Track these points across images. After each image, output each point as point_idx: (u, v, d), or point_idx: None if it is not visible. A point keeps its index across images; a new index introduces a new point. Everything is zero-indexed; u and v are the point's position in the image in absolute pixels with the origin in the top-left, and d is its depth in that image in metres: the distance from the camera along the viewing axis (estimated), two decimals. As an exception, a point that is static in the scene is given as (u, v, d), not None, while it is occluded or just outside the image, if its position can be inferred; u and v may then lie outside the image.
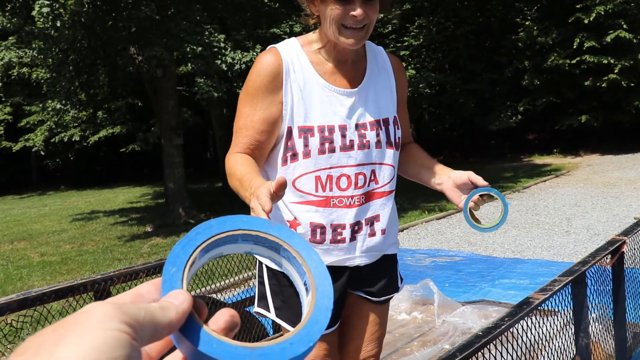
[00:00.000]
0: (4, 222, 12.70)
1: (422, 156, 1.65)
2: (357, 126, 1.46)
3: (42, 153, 20.49)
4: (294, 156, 1.43)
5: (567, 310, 1.73)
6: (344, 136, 1.44)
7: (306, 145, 1.42)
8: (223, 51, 7.94)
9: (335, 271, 1.48)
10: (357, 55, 1.53)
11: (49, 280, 6.98)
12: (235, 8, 10.22)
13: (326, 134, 1.42)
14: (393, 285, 1.65)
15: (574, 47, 14.93)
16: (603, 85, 14.75)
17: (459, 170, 1.51)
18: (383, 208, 1.53)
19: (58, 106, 10.34)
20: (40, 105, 13.00)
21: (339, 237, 1.48)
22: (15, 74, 11.55)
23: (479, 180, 1.44)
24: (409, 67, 16.01)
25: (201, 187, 16.97)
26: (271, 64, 1.43)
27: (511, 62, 16.67)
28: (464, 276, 5.09)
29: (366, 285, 1.58)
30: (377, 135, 1.48)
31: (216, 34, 8.05)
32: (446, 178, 1.51)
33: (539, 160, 16.17)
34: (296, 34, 4.94)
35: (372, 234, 1.51)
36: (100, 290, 2.34)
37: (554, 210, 8.39)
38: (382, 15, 17.49)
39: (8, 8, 8.67)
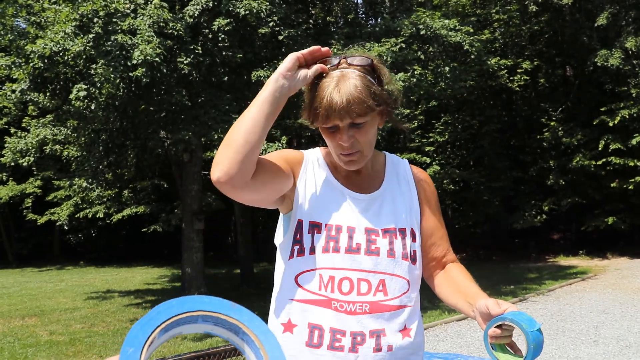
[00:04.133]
0: (18, 296, 12.63)
1: (463, 281, 1.48)
2: (366, 230, 1.39)
3: (66, 227, 20.72)
4: (301, 251, 1.38)
5: None
6: (350, 237, 1.38)
7: (313, 241, 1.37)
8: (249, 140, 8.09)
9: None
10: (373, 168, 1.50)
11: (54, 362, 6.80)
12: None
13: (333, 232, 1.38)
14: None
15: (600, 148, 14.95)
16: (630, 187, 14.60)
17: (485, 298, 1.32)
18: (389, 322, 1.37)
19: (84, 184, 10.55)
20: (68, 183, 13.29)
21: (337, 344, 1.33)
22: (48, 150, 11.90)
23: (492, 307, 1.24)
24: (434, 163, 16.13)
25: (219, 272, 16.82)
26: (295, 152, 1.49)
27: (536, 162, 16.68)
28: (485, 386, 4.80)
29: None
30: (390, 243, 1.40)
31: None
32: (476, 311, 1.33)
33: (564, 261, 15.74)
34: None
35: (378, 349, 1.34)
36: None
37: (580, 317, 8.03)
38: (408, 110, 17.97)
39: (49, 89, 9.07)
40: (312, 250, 1.37)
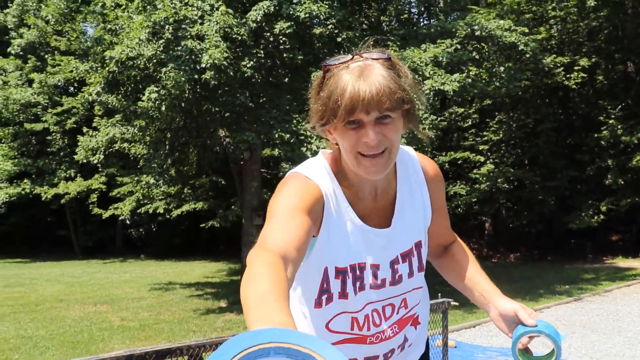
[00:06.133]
0: (89, 285, 13.42)
1: (468, 267, 1.51)
2: (390, 263, 1.37)
3: (128, 222, 21.68)
4: (329, 298, 1.33)
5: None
6: (375, 276, 1.35)
7: (343, 287, 1.32)
8: (309, 139, 8.46)
9: None
10: (386, 177, 1.35)
11: (129, 344, 7.31)
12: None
13: (357, 273, 1.33)
14: None
15: (661, 148, 14.59)
16: (693, 189, 14.20)
17: (509, 301, 1.40)
18: (409, 329, 1.46)
19: (151, 181, 11.15)
20: (136, 179, 13.97)
21: None
22: (116, 147, 12.59)
23: (527, 319, 1.33)
24: (488, 162, 16.06)
25: (274, 265, 17.23)
26: (313, 194, 1.25)
27: (593, 161, 16.39)
28: (539, 378, 4.94)
29: None
30: (410, 265, 1.39)
31: (303, 123, 8.61)
32: (492, 308, 1.41)
33: (622, 263, 15.42)
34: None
35: (401, 351, 1.47)
36: (194, 355, 2.58)
37: (638, 318, 7.99)
38: (462, 109, 17.93)
39: (122, 91, 9.67)
40: (343, 295, 1.32)
